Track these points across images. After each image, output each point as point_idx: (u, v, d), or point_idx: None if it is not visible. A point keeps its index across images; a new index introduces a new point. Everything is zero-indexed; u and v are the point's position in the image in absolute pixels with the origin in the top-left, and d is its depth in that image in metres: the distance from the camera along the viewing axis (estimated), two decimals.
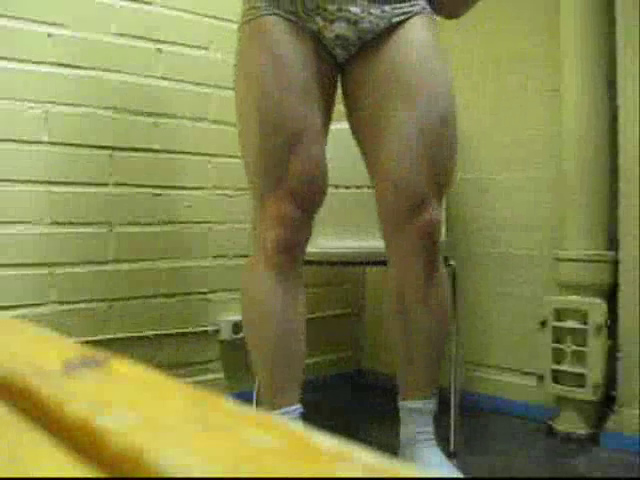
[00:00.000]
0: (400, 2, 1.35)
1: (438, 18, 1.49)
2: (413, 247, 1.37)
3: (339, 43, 1.35)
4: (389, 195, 1.36)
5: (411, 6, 1.36)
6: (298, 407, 1.42)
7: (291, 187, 1.34)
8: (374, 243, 1.66)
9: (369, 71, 1.36)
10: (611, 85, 1.83)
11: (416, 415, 1.44)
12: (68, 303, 1.81)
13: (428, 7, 1.40)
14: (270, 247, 1.37)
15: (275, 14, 1.34)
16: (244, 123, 1.42)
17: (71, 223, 1.82)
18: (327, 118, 1.42)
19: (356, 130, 1.44)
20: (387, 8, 1.34)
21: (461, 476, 1.41)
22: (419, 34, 1.35)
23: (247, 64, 1.40)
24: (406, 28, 1.35)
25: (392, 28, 1.35)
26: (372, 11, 1.33)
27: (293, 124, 1.33)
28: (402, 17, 1.35)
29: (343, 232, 1.60)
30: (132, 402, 0.30)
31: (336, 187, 1.78)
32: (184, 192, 2.05)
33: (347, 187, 2.02)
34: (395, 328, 1.47)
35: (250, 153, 1.40)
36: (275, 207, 1.35)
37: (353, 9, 1.32)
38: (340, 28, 1.33)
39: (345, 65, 1.40)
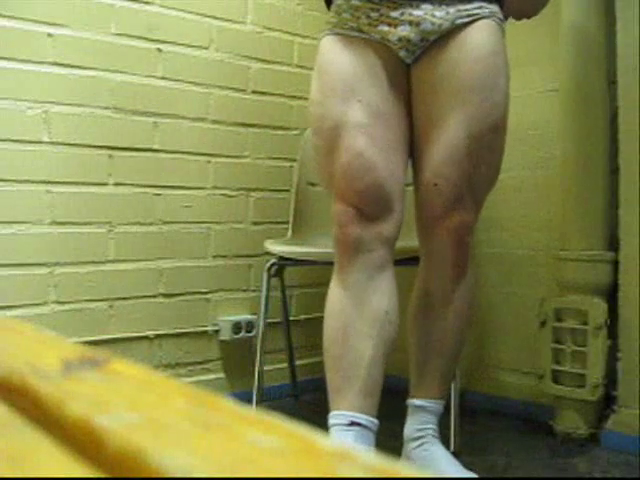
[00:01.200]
0: (466, 4, 1.36)
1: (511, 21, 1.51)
2: (443, 246, 1.40)
3: (402, 45, 1.38)
4: (428, 194, 1.40)
5: (478, 8, 1.37)
6: (350, 414, 1.29)
7: (337, 183, 1.37)
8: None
9: (430, 71, 1.39)
10: (611, 85, 1.83)
11: (422, 413, 1.46)
12: (68, 303, 1.81)
13: (498, 11, 1.40)
14: (333, 244, 1.40)
15: (336, 34, 1.41)
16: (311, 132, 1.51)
17: (71, 223, 1.82)
18: (388, 113, 1.40)
19: (413, 126, 1.44)
20: (452, 10, 1.36)
21: (464, 470, 1.41)
22: (482, 39, 1.36)
23: (312, 80, 1.47)
24: (470, 31, 1.36)
25: (457, 30, 1.36)
26: (435, 13, 1.36)
27: (332, 122, 1.37)
28: (467, 19, 1.36)
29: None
30: (132, 402, 0.30)
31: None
32: (184, 192, 2.05)
33: None
34: (416, 326, 1.49)
35: (316, 158, 1.48)
36: (333, 206, 1.39)
37: (415, 12, 1.36)
38: (403, 30, 1.37)
39: (412, 66, 1.42)
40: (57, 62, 1.79)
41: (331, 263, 1.48)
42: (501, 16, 1.42)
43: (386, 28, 1.37)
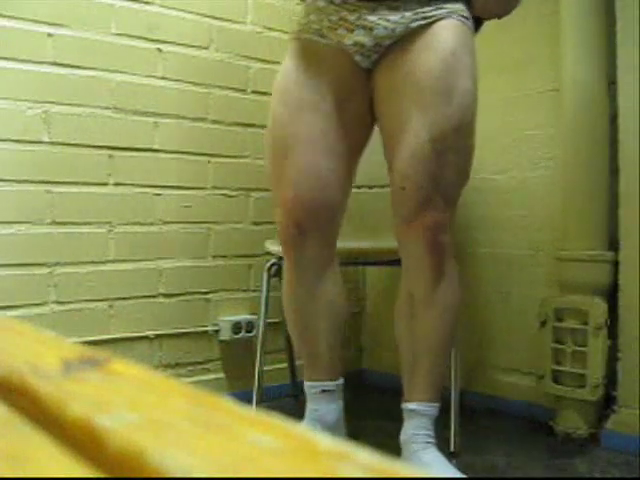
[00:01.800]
0: (424, 6, 1.36)
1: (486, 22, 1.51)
2: (418, 248, 1.41)
3: (357, 50, 1.39)
4: (397, 195, 1.41)
5: (436, 10, 1.36)
6: (320, 384, 1.53)
7: (281, 195, 1.44)
8: (374, 243, 1.66)
9: (389, 75, 1.39)
10: (611, 85, 1.83)
11: (416, 417, 1.46)
12: (68, 303, 1.81)
13: (461, 8, 1.39)
14: (282, 246, 1.50)
15: (302, 38, 1.45)
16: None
17: (71, 223, 1.82)
18: (347, 121, 1.44)
19: (380, 132, 1.47)
20: (408, 14, 1.36)
21: (460, 474, 1.41)
22: (442, 40, 1.36)
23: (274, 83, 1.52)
24: (428, 35, 1.36)
25: (414, 34, 1.36)
26: (390, 17, 1.36)
27: (282, 137, 1.43)
28: (422, 22, 1.36)
29: (343, 232, 1.60)
30: (132, 402, 0.30)
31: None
32: (184, 192, 2.05)
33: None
34: (403, 330, 1.51)
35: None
36: (277, 215, 1.47)
37: (370, 17, 1.36)
38: (358, 35, 1.38)
39: (370, 71, 1.43)
40: (57, 62, 1.79)
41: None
42: (466, 14, 1.40)
43: (343, 32, 1.39)
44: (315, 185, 1.41)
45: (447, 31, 1.36)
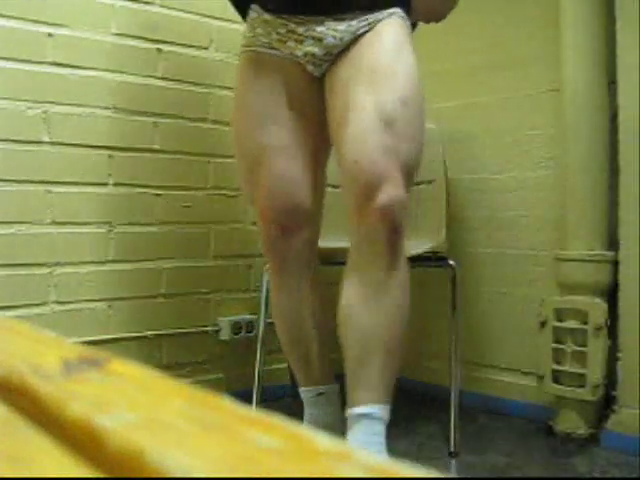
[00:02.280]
0: (367, 13, 1.43)
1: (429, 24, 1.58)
2: (374, 227, 1.30)
3: (308, 60, 1.45)
4: (350, 175, 1.34)
5: (379, 14, 1.44)
6: (314, 388, 1.56)
7: (260, 205, 1.49)
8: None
9: (338, 77, 1.44)
10: (611, 85, 1.83)
11: (367, 422, 1.29)
12: (68, 303, 1.81)
13: (399, 11, 1.46)
14: (264, 250, 1.56)
15: (251, 50, 1.49)
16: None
17: (71, 223, 1.82)
18: (304, 130, 1.49)
19: (330, 130, 1.46)
20: (353, 22, 1.43)
21: None
22: (384, 33, 1.42)
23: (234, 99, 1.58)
24: (371, 34, 1.42)
25: (358, 38, 1.43)
26: (338, 27, 1.42)
27: (251, 149, 1.48)
28: (367, 27, 1.43)
29: (342, 232, 1.61)
30: (132, 402, 0.30)
31: (334, 187, 1.78)
32: (184, 192, 2.05)
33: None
34: (348, 321, 1.37)
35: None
36: (258, 220, 1.53)
37: (319, 28, 1.43)
38: (308, 46, 1.44)
39: (322, 79, 1.49)
40: (57, 62, 1.79)
41: (331, 263, 1.57)
42: (403, 14, 1.46)
43: (293, 44, 1.45)
44: (289, 189, 1.47)
45: (387, 27, 1.43)
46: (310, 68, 1.46)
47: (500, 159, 2.12)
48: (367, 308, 1.34)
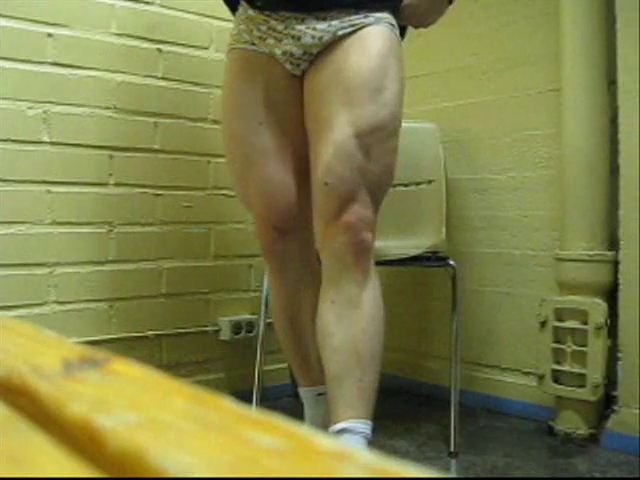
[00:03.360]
0: (352, 15, 1.39)
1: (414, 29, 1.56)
2: (342, 247, 1.34)
3: (287, 59, 1.42)
4: (321, 193, 1.36)
5: (363, 18, 1.39)
6: (315, 389, 1.55)
7: (254, 208, 1.48)
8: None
9: (317, 79, 1.42)
10: (611, 85, 1.83)
11: (347, 436, 1.27)
12: (68, 303, 1.81)
13: (387, 17, 1.41)
14: (262, 252, 1.55)
15: (235, 48, 1.48)
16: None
17: (71, 223, 1.82)
18: (289, 130, 1.46)
19: (308, 133, 1.46)
20: (335, 22, 1.38)
21: None
22: (366, 44, 1.38)
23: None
24: (354, 40, 1.38)
25: (340, 40, 1.38)
26: (317, 26, 1.39)
27: (242, 153, 1.46)
28: (350, 29, 1.38)
29: None
30: (132, 402, 0.30)
31: None
32: (184, 192, 2.05)
33: None
34: (326, 339, 1.36)
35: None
36: (254, 223, 1.52)
37: (298, 26, 1.40)
38: (286, 44, 1.41)
39: (303, 79, 1.45)
40: (57, 62, 1.79)
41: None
42: (393, 22, 1.42)
43: (272, 42, 1.42)
44: (279, 192, 1.46)
45: (374, 36, 1.38)
46: (288, 67, 1.43)
47: (500, 159, 2.12)
48: (340, 325, 1.34)
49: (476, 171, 2.19)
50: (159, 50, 1.99)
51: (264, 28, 1.43)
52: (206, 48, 2.10)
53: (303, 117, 1.46)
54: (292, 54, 1.41)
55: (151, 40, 1.97)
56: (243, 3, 1.49)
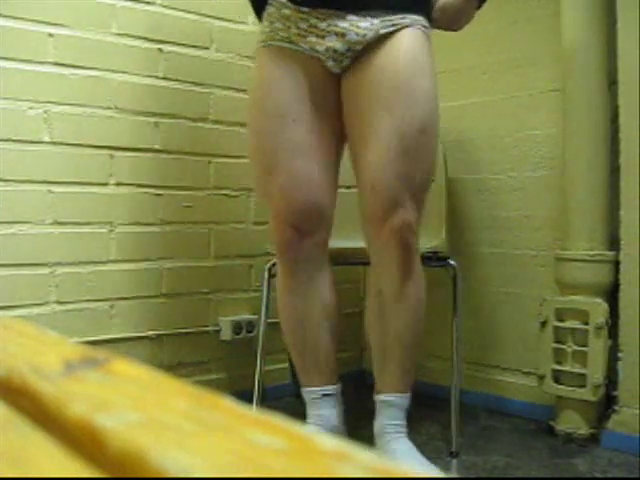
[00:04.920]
0: (390, 15, 1.44)
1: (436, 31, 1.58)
2: (387, 247, 1.45)
3: (330, 55, 1.45)
4: (368, 197, 1.46)
5: (401, 19, 1.44)
6: (321, 389, 1.57)
7: (276, 205, 1.49)
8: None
9: (358, 79, 1.46)
10: (611, 85, 1.83)
11: (387, 407, 1.52)
12: (69, 303, 1.81)
13: (422, 19, 1.47)
14: (276, 251, 1.55)
15: (271, 45, 1.49)
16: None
17: (72, 223, 1.82)
18: (324, 128, 1.50)
19: (347, 135, 1.53)
20: (376, 21, 1.43)
21: (431, 466, 1.47)
22: (406, 47, 1.43)
23: (249, 93, 1.59)
24: (394, 41, 1.43)
25: (381, 39, 1.44)
26: (360, 24, 1.43)
27: (270, 148, 1.48)
28: (390, 29, 1.43)
29: (343, 232, 1.61)
30: (133, 402, 0.30)
31: (347, 188, 1.79)
32: (185, 192, 2.05)
33: (348, 187, 2.01)
34: (373, 324, 1.57)
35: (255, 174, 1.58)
36: (271, 221, 1.53)
37: (341, 24, 1.43)
38: (330, 41, 1.44)
39: (341, 76, 1.49)
40: (58, 62, 1.79)
41: (339, 263, 1.64)
42: (426, 24, 1.48)
43: (314, 39, 1.44)
44: (306, 189, 1.48)
45: (411, 39, 1.44)
46: (330, 64, 1.46)
47: (500, 159, 2.12)
48: (385, 316, 1.53)
49: (477, 171, 2.19)
50: (160, 50, 1.99)
51: (304, 26, 1.45)
52: (207, 48, 2.10)
53: (337, 115, 1.50)
54: (336, 50, 1.44)
55: (152, 40, 1.97)
56: (275, 2, 1.49)
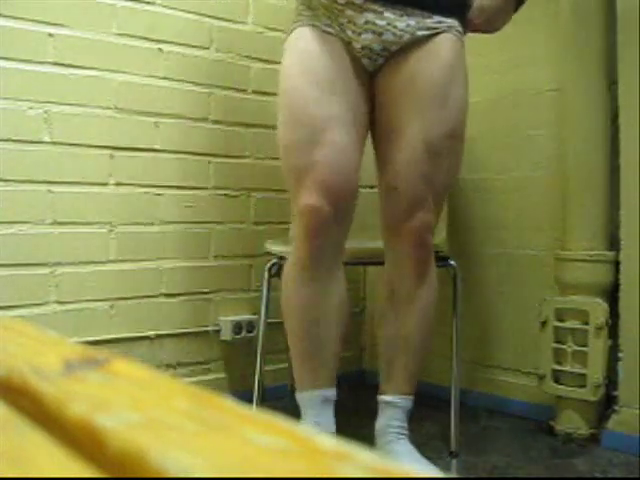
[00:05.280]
0: (426, 17, 1.44)
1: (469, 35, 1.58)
2: (406, 247, 1.47)
3: (365, 53, 1.45)
4: (391, 197, 1.47)
5: (438, 22, 1.45)
6: (323, 392, 1.50)
7: (317, 176, 1.39)
8: (374, 243, 1.66)
9: (392, 80, 1.46)
10: (611, 85, 1.83)
11: (391, 408, 1.53)
12: (69, 303, 1.81)
13: (457, 25, 1.48)
14: (297, 237, 1.46)
15: (312, 25, 1.46)
16: (279, 122, 1.51)
17: (72, 223, 1.82)
18: (359, 117, 1.48)
19: (374, 133, 1.53)
20: (412, 22, 1.43)
21: (432, 467, 1.46)
22: (442, 52, 1.44)
23: (283, 67, 1.51)
24: (431, 45, 1.44)
25: (417, 42, 1.44)
26: (397, 24, 1.42)
27: (316, 116, 1.42)
28: (427, 32, 1.44)
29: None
30: (133, 402, 0.30)
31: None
32: (185, 192, 2.05)
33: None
34: (383, 324, 1.57)
35: (283, 151, 1.48)
36: (303, 198, 1.41)
37: (379, 22, 1.42)
38: (366, 39, 1.43)
39: (374, 75, 1.49)
40: (58, 62, 1.79)
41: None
42: (460, 29, 1.49)
43: (351, 34, 1.44)
44: (348, 159, 1.43)
45: (447, 45, 1.45)
46: (365, 62, 1.46)
47: (500, 159, 2.12)
48: (397, 315, 1.53)
49: (477, 171, 2.19)
50: (160, 50, 1.99)
51: (343, 20, 1.44)
52: (207, 48, 2.10)
53: (365, 109, 1.48)
54: (372, 49, 1.44)
55: (152, 40, 1.97)
56: None
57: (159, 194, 1.99)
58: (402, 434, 1.52)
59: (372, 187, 1.66)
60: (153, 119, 1.98)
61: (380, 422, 1.54)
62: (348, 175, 1.43)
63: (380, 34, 1.42)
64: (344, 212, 1.44)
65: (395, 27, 1.42)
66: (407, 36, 1.42)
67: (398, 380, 1.54)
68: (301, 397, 1.52)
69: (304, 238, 1.43)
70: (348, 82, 1.46)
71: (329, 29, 1.45)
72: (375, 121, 1.51)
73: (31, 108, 1.75)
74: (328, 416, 1.50)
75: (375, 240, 1.64)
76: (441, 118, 1.43)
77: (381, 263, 1.67)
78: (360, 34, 1.43)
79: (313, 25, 1.46)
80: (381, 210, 1.51)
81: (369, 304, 2.52)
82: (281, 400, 2.15)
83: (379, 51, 1.44)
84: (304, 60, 1.46)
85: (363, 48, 1.44)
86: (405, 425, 1.53)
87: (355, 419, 1.71)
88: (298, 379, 1.54)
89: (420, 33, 1.43)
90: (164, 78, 2.00)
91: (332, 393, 1.52)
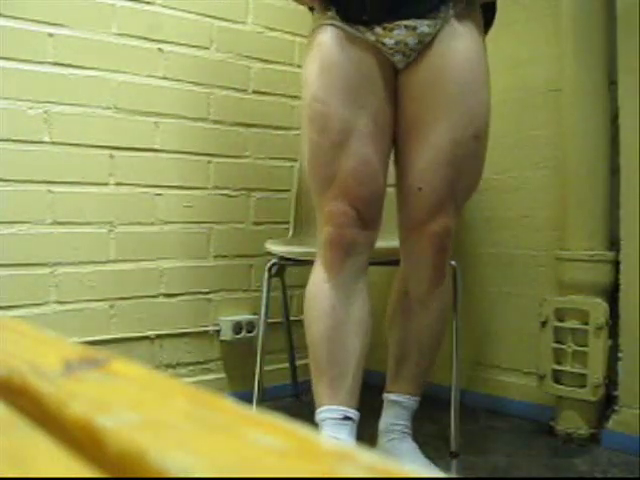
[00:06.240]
0: (448, 11, 1.38)
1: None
2: (424, 250, 1.44)
3: (399, 49, 1.38)
4: (410, 197, 1.43)
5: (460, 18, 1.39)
6: (344, 409, 1.37)
7: (341, 185, 1.38)
8: (380, 242, 1.66)
9: (418, 77, 1.39)
10: (611, 85, 1.83)
11: (396, 407, 1.53)
12: (69, 303, 1.81)
13: (480, 17, 1.43)
14: (323, 244, 1.42)
15: (334, 25, 1.40)
16: (302, 128, 1.48)
17: (72, 223, 1.82)
18: (384, 123, 1.42)
19: (396, 130, 1.45)
20: (442, 8, 1.37)
21: (433, 467, 1.45)
22: (469, 46, 1.39)
23: (305, 70, 1.47)
24: (458, 35, 1.37)
25: (442, 38, 1.37)
26: (428, 15, 1.37)
27: (340, 124, 1.37)
28: (452, 26, 1.38)
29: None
30: (133, 402, 0.30)
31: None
32: (185, 192, 2.05)
33: None
34: (394, 325, 1.56)
35: (307, 157, 1.45)
36: (328, 206, 1.40)
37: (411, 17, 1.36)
38: (400, 35, 1.36)
39: (401, 72, 1.42)
40: (58, 62, 1.79)
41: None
42: (482, 24, 1.44)
43: (381, 31, 1.37)
44: (374, 175, 1.40)
45: (471, 41, 1.39)
46: (397, 58, 1.38)
47: (500, 159, 2.12)
48: (409, 317, 1.53)
49: None
50: (160, 50, 1.99)
51: (370, 17, 1.37)
52: (207, 48, 2.10)
53: (393, 110, 1.43)
54: (407, 44, 1.37)
55: (152, 40, 1.97)
56: None
57: (159, 194, 1.99)
58: (405, 433, 1.51)
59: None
60: (153, 119, 1.98)
61: (384, 420, 1.53)
62: (370, 183, 1.39)
63: (414, 28, 1.35)
64: (369, 222, 1.41)
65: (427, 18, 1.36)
66: (439, 22, 1.36)
67: (406, 380, 1.54)
68: (321, 414, 1.39)
69: (329, 241, 1.41)
70: (373, 88, 1.39)
71: (353, 30, 1.38)
72: (399, 118, 1.44)
73: (31, 108, 1.75)
74: (347, 436, 1.35)
75: (381, 239, 1.64)
76: (466, 120, 1.37)
77: (382, 263, 1.67)
78: (392, 30, 1.36)
79: (336, 26, 1.40)
80: (400, 210, 1.47)
81: (370, 304, 2.52)
82: (281, 400, 2.15)
83: (414, 46, 1.37)
84: (328, 68, 1.39)
85: (397, 43, 1.36)
86: (409, 425, 1.53)
87: None
88: (316, 394, 1.42)
89: (452, 12, 1.37)
90: (164, 78, 2.00)
91: (354, 412, 1.38)
